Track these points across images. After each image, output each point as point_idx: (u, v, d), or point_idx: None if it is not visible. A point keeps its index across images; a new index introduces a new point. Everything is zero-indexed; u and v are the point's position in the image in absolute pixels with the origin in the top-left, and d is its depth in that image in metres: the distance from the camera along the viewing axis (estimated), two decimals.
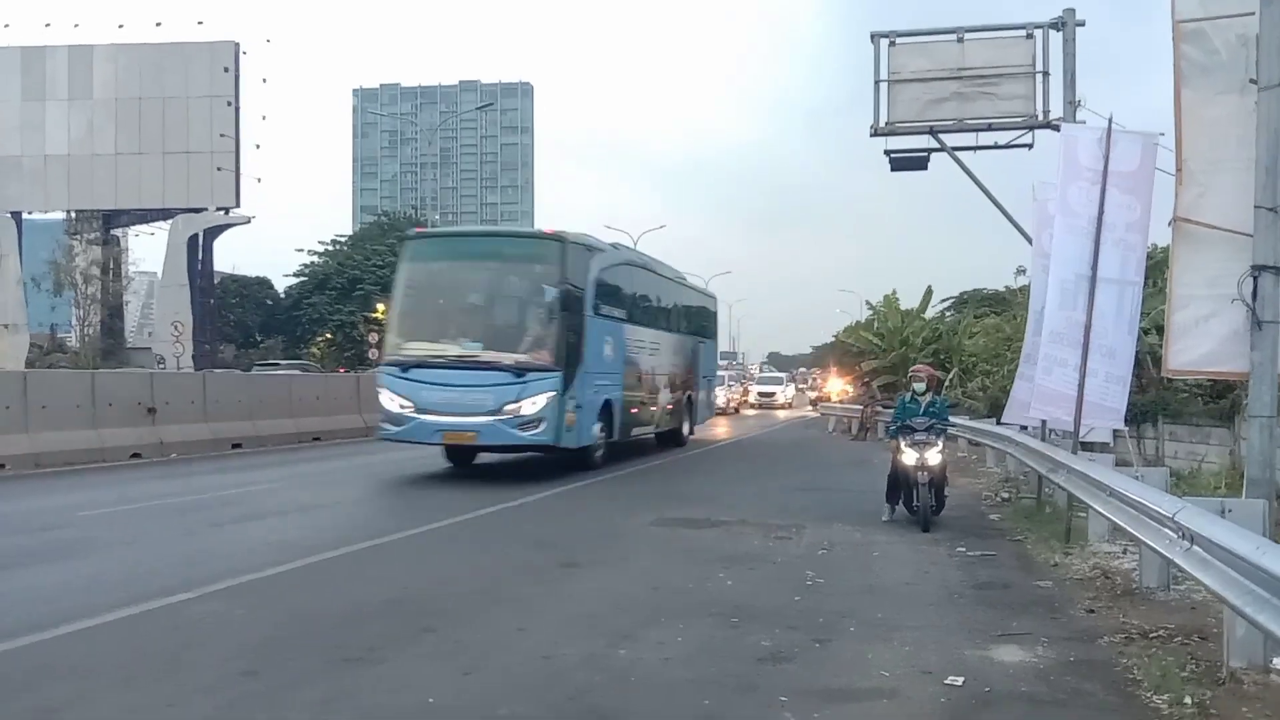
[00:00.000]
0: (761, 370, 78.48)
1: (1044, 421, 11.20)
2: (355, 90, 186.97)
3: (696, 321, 23.10)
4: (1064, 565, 8.35)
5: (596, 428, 15.28)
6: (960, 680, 5.10)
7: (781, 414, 45.53)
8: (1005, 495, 13.25)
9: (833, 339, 53.40)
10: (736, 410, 43.55)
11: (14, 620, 5.94)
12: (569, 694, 4.88)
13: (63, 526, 9.56)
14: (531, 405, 13.34)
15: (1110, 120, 9.45)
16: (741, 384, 53.89)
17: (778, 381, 56.07)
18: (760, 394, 51.38)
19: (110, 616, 6.08)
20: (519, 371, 13.41)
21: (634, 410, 17.46)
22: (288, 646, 5.58)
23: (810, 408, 47.69)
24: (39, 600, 6.58)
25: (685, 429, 21.64)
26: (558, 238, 14.37)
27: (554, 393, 13.43)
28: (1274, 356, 7.04)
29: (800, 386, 62.97)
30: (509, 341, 14.00)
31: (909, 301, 37.26)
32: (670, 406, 20.01)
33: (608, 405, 15.77)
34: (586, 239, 15.56)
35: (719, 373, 44.77)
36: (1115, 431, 11.96)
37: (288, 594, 6.99)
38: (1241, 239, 7.17)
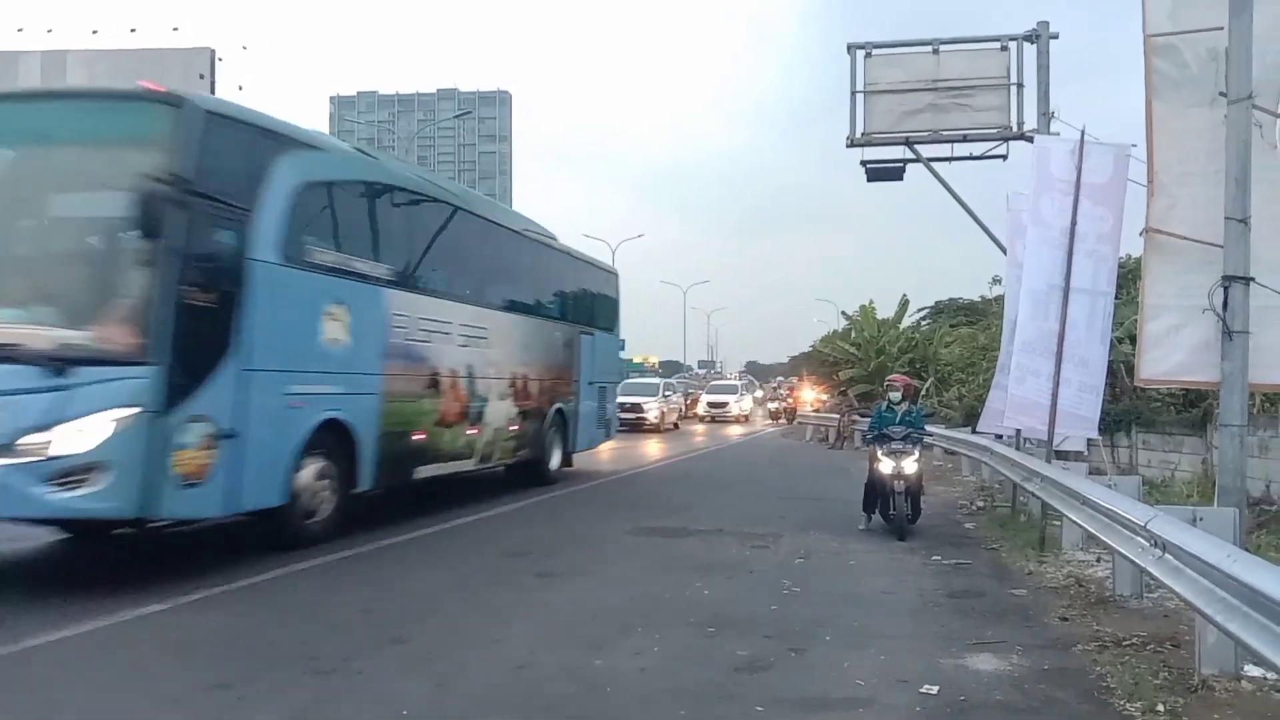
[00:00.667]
0: (740, 379, 76.59)
1: (1018, 430, 11.29)
2: (332, 97, 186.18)
3: (578, 304, 16.70)
4: (1038, 573, 8.40)
5: (305, 472, 8.78)
6: (935, 689, 5.11)
7: (736, 429, 38.00)
8: (980, 504, 13.34)
9: (810, 348, 53.38)
10: (675, 426, 35.40)
11: None
12: (544, 705, 4.86)
13: (33, 537, 9.42)
14: (74, 436, 6.85)
15: (1083, 132, 9.56)
16: (687, 394, 46.29)
17: (731, 390, 46.71)
18: (711, 405, 43.60)
19: (81, 628, 5.99)
20: (59, 366, 6.90)
21: (417, 435, 10.94)
22: (260, 658, 5.52)
23: (772, 421, 42.73)
24: (6, 613, 6.48)
25: (554, 458, 15.29)
26: (171, 100, 7.63)
27: (133, 409, 6.95)
28: (1245, 366, 7.12)
29: (768, 397, 52.94)
30: (59, 306, 7.47)
31: (886, 310, 37.62)
32: (517, 427, 13.60)
33: (335, 430, 9.24)
34: (264, 117, 8.75)
35: (653, 379, 39.43)
36: (1089, 440, 12.06)
37: (261, 605, 6.91)
38: (1212, 250, 7.25)
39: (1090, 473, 9.32)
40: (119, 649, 5.71)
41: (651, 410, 32.21)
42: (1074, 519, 7.85)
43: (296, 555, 8.41)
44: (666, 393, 35.31)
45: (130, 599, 6.70)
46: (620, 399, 31.21)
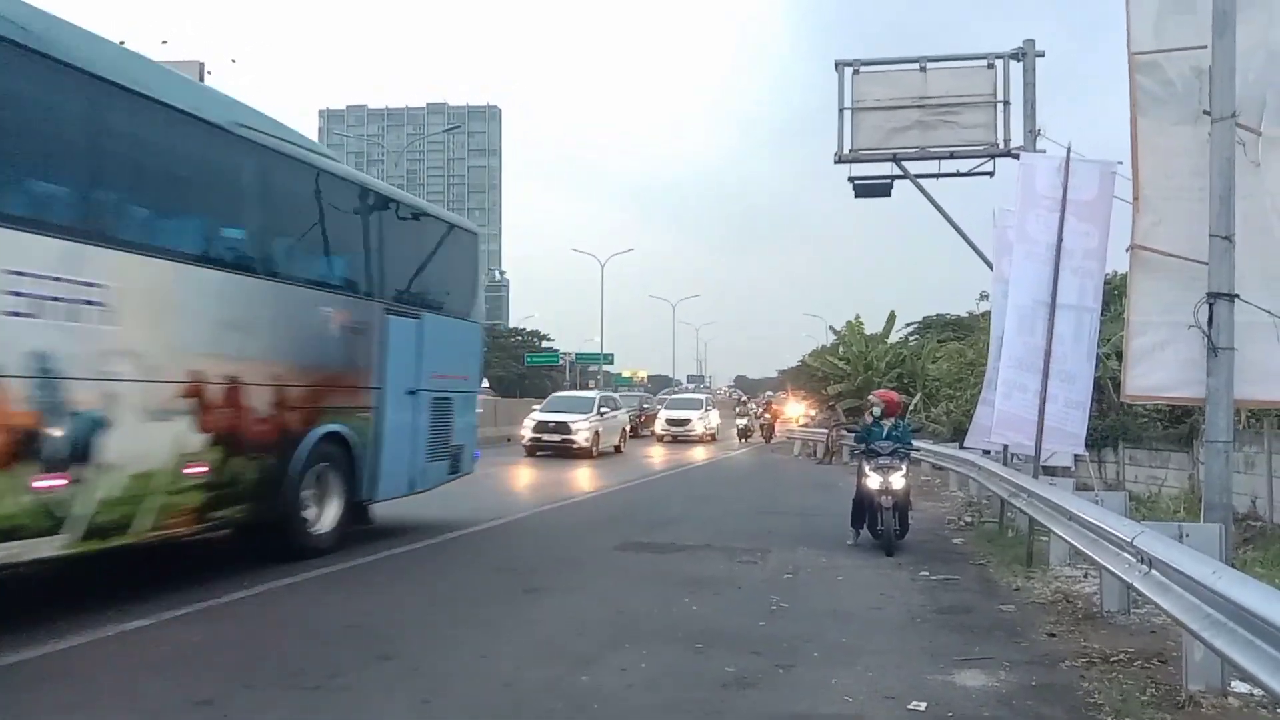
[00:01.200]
0: (729, 394, 75.71)
1: (1006, 446, 11.31)
2: (322, 111, 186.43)
3: (389, 269, 10.54)
4: (1026, 589, 8.40)
5: None
6: (923, 705, 5.10)
7: (700, 450, 31.92)
8: (968, 519, 13.35)
9: (799, 363, 53.47)
10: (617, 450, 28.33)
11: None
12: None
13: None
14: None
15: (1069, 149, 9.62)
16: (642, 409, 40.98)
17: (695, 405, 39.54)
18: (670, 422, 37.16)
19: (63, 644, 5.93)
20: None
21: None
22: (245, 674, 5.47)
23: (740, 441, 37.10)
24: None
25: (324, 514, 9.49)
26: None
27: None
28: (1230, 383, 7.14)
29: (737, 413, 42.80)
30: None
31: (874, 325, 37.80)
32: (206, 469, 7.68)
33: None
34: None
35: (588, 393, 34.19)
36: (1076, 456, 12.10)
37: (246, 621, 6.87)
38: (1197, 267, 7.28)
39: (1077, 488, 9.34)
40: (101, 665, 5.65)
41: (581, 431, 25.83)
42: (1061, 534, 7.86)
43: (283, 570, 8.35)
44: (603, 409, 28.08)
45: (113, 614, 6.64)
46: (541, 416, 26.84)
